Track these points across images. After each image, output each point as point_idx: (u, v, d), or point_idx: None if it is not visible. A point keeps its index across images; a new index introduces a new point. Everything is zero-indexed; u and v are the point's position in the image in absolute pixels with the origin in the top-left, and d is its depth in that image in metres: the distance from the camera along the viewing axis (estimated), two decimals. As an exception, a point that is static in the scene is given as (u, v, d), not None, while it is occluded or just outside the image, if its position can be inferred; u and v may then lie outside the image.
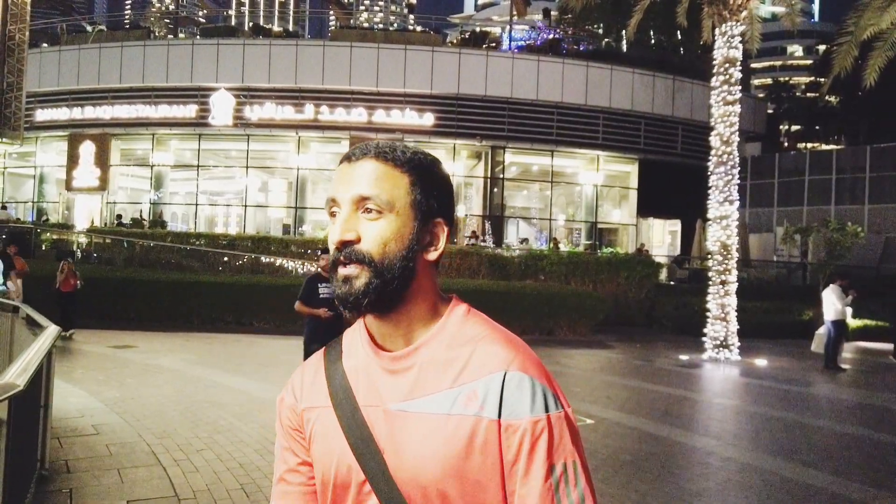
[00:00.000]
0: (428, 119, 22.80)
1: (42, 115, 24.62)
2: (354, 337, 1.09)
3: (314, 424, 1.05)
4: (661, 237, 27.91)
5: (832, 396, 9.83)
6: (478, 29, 35.04)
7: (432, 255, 1.02)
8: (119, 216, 23.40)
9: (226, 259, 17.45)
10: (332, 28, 35.25)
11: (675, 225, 27.20)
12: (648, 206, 25.64)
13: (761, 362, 12.55)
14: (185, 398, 7.52)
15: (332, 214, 1.01)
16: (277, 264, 16.90)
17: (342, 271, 0.97)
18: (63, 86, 24.47)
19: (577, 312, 14.97)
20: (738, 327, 13.14)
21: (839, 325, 12.15)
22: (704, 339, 13.19)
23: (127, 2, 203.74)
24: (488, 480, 0.94)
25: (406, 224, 0.98)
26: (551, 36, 29.46)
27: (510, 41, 28.08)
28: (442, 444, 0.94)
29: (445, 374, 0.97)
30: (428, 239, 1.01)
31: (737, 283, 13.39)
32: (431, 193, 1.01)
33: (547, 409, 0.93)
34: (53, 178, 26.92)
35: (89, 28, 29.60)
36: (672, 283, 21.00)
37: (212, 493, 4.56)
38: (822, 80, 26.92)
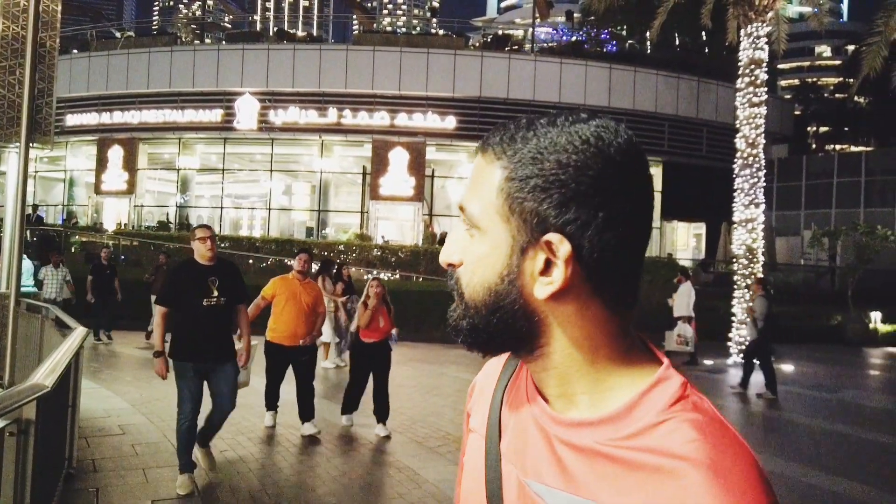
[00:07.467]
0: (450, 122, 22.82)
1: (72, 119, 25.11)
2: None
3: (469, 446, 0.86)
4: (686, 240, 27.62)
5: (860, 403, 9.64)
6: (500, 32, 35.03)
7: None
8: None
9: (251, 261, 17.64)
10: (356, 32, 35.43)
11: (700, 228, 26.90)
12: (673, 208, 25.35)
13: (788, 367, 12.35)
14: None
15: None
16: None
17: None
18: (92, 91, 24.94)
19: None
20: (764, 332, 12.94)
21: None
22: (730, 343, 13.02)
23: (154, 8, 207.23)
24: None
25: None
26: (574, 38, 29.34)
27: (533, 44, 28.01)
28: None
29: (610, 480, 0.66)
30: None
31: (763, 287, 13.21)
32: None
33: None
34: (83, 182, 27.49)
35: (118, 34, 30.20)
36: (696, 287, 20.72)
37: (234, 494, 4.61)
38: (851, 80, 26.46)
